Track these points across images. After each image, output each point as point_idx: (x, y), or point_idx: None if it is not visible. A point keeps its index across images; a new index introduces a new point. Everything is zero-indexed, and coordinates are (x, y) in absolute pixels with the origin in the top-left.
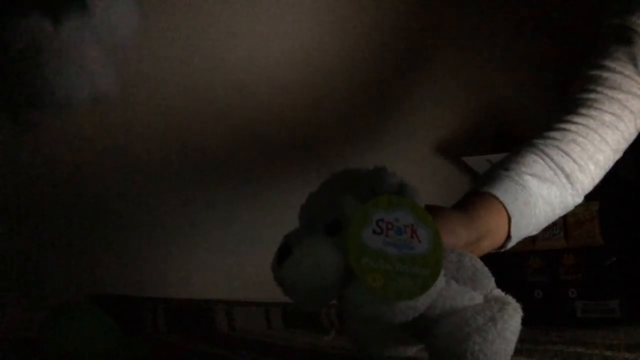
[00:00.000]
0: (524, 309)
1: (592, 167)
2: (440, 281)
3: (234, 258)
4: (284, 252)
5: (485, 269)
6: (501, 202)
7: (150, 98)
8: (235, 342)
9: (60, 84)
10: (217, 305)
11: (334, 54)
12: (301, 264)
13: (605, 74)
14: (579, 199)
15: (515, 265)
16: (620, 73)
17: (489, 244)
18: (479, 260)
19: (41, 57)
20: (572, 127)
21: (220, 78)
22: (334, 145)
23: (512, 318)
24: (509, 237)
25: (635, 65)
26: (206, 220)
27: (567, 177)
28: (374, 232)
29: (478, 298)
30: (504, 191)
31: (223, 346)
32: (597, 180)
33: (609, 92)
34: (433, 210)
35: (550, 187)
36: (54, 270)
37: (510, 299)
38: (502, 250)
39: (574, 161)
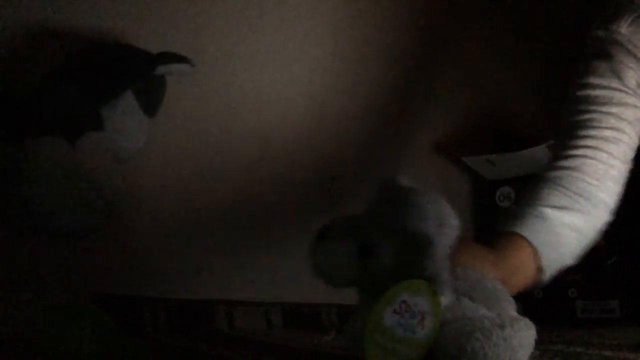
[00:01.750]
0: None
1: (609, 183)
2: (448, 298)
3: (234, 258)
4: (321, 235)
5: (508, 295)
6: (524, 238)
7: None
8: (235, 342)
9: (70, 207)
10: (217, 305)
11: (335, 57)
12: (321, 262)
13: (593, 92)
14: (607, 217)
15: None
16: (608, 87)
17: (521, 281)
18: (502, 286)
19: (55, 175)
20: (578, 151)
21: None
22: (336, 145)
23: (522, 330)
24: (541, 270)
25: (619, 78)
26: (206, 220)
27: (587, 200)
28: (395, 311)
29: (490, 314)
30: (525, 227)
31: (223, 346)
32: (618, 195)
33: (602, 108)
34: (464, 243)
35: (572, 213)
36: (54, 270)
37: (526, 319)
38: (540, 285)
39: (590, 183)
